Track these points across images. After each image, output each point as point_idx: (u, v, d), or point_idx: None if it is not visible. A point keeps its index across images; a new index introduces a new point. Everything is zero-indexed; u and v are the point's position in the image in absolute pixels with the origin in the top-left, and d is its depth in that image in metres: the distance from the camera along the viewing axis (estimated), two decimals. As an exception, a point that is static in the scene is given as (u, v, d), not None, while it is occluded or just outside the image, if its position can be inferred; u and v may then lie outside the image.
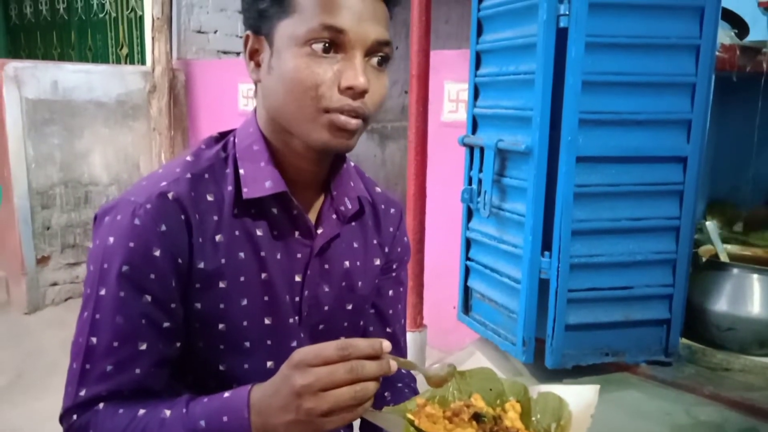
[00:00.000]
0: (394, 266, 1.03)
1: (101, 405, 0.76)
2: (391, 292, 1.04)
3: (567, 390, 0.76)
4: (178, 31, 4.05)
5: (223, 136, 0.91)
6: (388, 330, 1.04)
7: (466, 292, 2.07)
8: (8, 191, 3.42)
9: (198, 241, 0.81)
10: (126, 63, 4.33)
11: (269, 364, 0.88)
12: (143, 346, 0.78)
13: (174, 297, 0.80)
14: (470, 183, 1.95)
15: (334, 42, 0.75)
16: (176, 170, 0.83)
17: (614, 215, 1.69)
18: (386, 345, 0.68)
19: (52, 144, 3.51)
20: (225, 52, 4.39)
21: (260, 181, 0.83)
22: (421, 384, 0.89)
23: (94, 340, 0.77)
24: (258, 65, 0.82)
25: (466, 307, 2.08)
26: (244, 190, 0.83)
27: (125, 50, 4.36)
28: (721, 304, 1.82)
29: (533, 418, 0.76)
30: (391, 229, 1.02)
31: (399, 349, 1.06)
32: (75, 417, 0.77)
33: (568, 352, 1.73)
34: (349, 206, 0.93)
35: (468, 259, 2.03)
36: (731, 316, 1.80)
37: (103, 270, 0.78)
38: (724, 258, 1.92)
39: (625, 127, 1.66)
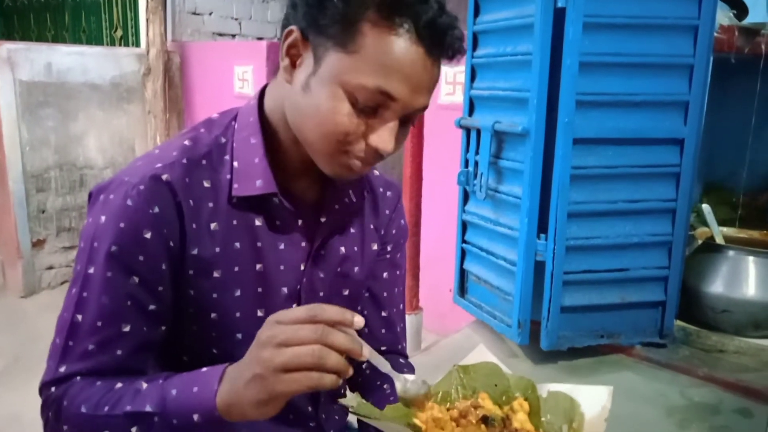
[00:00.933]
0: (389, 248, 1.02)
1: (78, 378, 0.77)
2: (385, 275, 1.03)
3: (578, 390, 0.75)
4: (173, 12, 4.01)
5: (225, 117, 0.90)
6: (383, 314, 1.03)
7: (462, 274, 2.07)
8: (3, 174, 3.41)
9: (191, 227, 0.80)
10: (120, 45, 4.29)
11: None
12: (126, 328, 0.78)
13: (163, 280, 0.79)
14: (467, 165, 1.94)
15: (378, 104, 0.74)
16: (173, 153, 0.82)
17: (611, 197, 1.69)
18: (358, 320, 0.68)
19: (47, 127, 3.48)
20: (220, 34, 4.35)
21: (252, 178, 0.82)
22: (424, 374, 0.88)
23: (79, 317, 0.77)
24: (294, 65, 0.79)
25: (462, 289, 2.08)
26: (235, 186, 0.82)
27: (119, 32, 4.31)
28: (716, 286, 1.82)
29: (543, 419, 0.74)
30: (387, 212, 1.01)
31: (394, 335, 1.05)
32: (53, 389, 0.77)
33: (563, 333, 1.74)
34: (353, 199, 0.93)
35: (464, 241, 2.03)
36: (726, 298, 1.80)
37: (93, 248, 0.77)
38: (719, 240, 1.92)
39: (622, 109, 1.65)
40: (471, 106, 1.96)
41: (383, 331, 1.04)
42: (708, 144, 2.50)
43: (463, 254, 2.05)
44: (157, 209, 0.77)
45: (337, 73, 0.72)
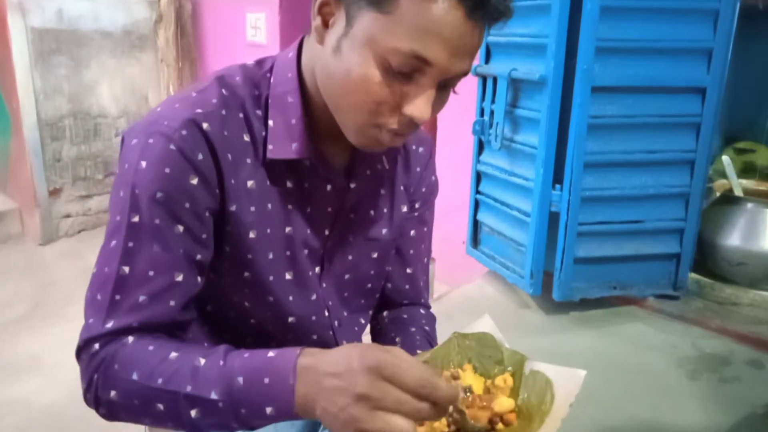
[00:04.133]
0: (417, 205, 1.00)
1: (130, 338, 0.71)
2: (413, 232, 1.00)
3: (557, 371, 0.73)
4: (184, -43, 3.93)
5: (260, 67, 0.84)
6: (408, 270, 1.01)
7: (475, 225, 2.06)
8: (18, 123, 3.41)
9: (230, 182, 0.75)
10: (131, -9, 4.22)
11: (290, 319, 0.86)
12: (179, 277, 0.73)
13: (206, 229, 0.75)
14: (482, 114, 1.91)
15: (415, 69, 0.67)
16: (212, 101, 0.75)
17: (628, 147, 1.66)
18: (460, 399, 0.66)
19: (60, 75, 3.46)
20: (232, -19, 4.26)
21: (287, 140, 0.76)
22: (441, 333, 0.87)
23: (126, 269, 0.72)
24: (326, 25, 0.73)
25: (475, 240, 2.08)
26: (270, 147, 0.77)
27: (130, -22, 4.24)
28: (733, 239, 1.80)
29: (521, 396, 0.73)
30: (418, 169, 0.97)
31: (417, 289, 1.03)
32: (97, 346, 0.71)
33: (576, 285, 1.74)
34: (386, 166, 0.87)
35: (478, 192, 2.02)
36: (743, 250, 1.78)
37: (135, 196, 0.72)
38: (738, 192, 1.89)
39: (643, 56, 1.60)
40: (487, 54, 1.91)
41: (407, 286, 1.02)
42: (729, 94, 2.44)
43: (476, 205, 2.04)
44: (201, 156, 0.72)
45: (371, 35, 0.67)
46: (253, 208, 0.77)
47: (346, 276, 0.90)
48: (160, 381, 0.67)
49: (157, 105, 0.79)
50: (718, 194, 1.92)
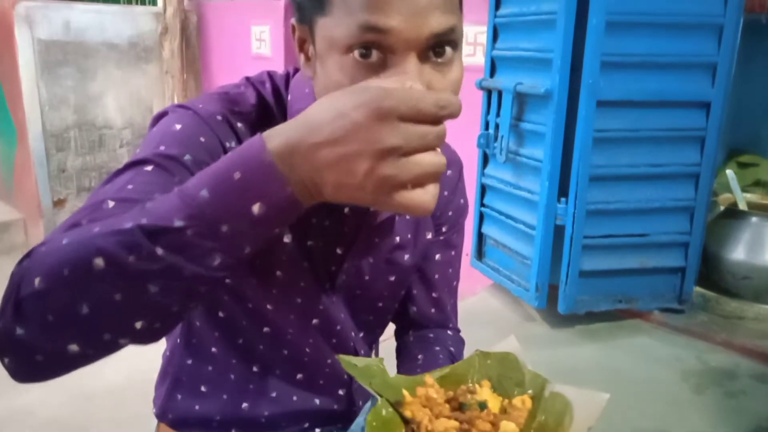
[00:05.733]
0: (444, 229, 0.97)
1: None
2: (438, 257, 0.96)
3: (578, 394, 0.71)
4: (190, -30, 3.96)
5: (280, 81, 0.81)
6: (433, 295, 0.98)
7: (480, 238, 2.07)
8: (23, 133, 3.42)
9: None
10: (137, 4, 4.25)
11: (314, 321, 0.84)
12: None
13: None
14: (487, 128, 1.92)
15: (380, 44, 0.60)
16: (250, 102, 0.73)
17: (633, 161, 1.67)
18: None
19: (66, 86, 3.48)
20: (237, -7, 4.29)
21: None
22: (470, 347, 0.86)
23: (110, 203, 0.57)
24: (308, 59, 0.68)
25: (480, 253, 2.08)
26: None
27: (136, -10, 4.27)
28: (738, 253, 1.80)
29: (538, 419, 0.72)
30: (446, 193, 0.94)
31: (444, 313, 1.01)
32: (32, 252, 0.52)
33: (581, 298, 1.74)
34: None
35: (483, 205, 2.02)
36: (748, 264, 1.78)
37: (158, 150, 0.63)
38: (743, 206, 1.89)
39: (648, 70, 1.61)
40: (493, 67, 1.92)
41: (433, 310, 0.99)
42: (733, 107, 2.45)
43: (481, 218, 2.04)
44: (233, 144, 0.69)
45: (328, 39, 0.63)
46: None
47: (358, 292, 0.88)
48: (96, 229, 0.49)
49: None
50: (722, 208, 1.92)
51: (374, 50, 0.60)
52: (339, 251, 0.82)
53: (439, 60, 0.62)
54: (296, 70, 0.78)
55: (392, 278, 0.89)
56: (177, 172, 0.62)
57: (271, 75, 0.80)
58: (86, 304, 0.47)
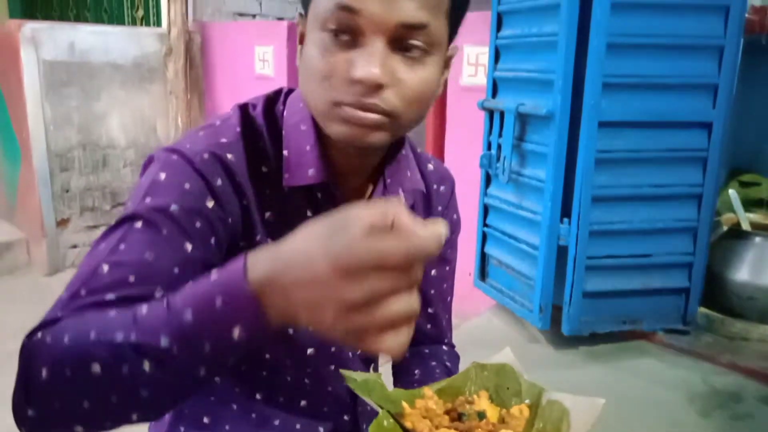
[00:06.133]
0: None
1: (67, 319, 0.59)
2: (434, 272, 0.98)
3: (575, 401, 0.72)
4: (194, -8, 4.00)
5: (278, 97, 0.82)
6: (429, 310, 0.99)
7: (483, 258, 2.06)
8: (27, 153, 3.44)
9: (248, 212, 0.74)
10: (142, 25, 4.30)
11: (309, 351, 0.85)
12: (159, 294, 0.64)
13: (210, 256, 0.70)
14: (489, 148, 1.93)
15: (350, 26, 0.65)
16: (236, 130, 0.74)
17: (636, 182, 1.67)
18: (445, 231, 0.51)
19: (70, 106, 3.50)
20: (241, 14, 4.34)
21: (303, 167, 0.75)
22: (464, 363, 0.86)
23: (104, 267, 0.62)
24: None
25: (483, 273, 2.07)
26: (285, 175, 0.75)
27: (141, 12, 4.31)
28: (742, 273, 1.79)
29: (536, 426, 0.72)
30: (440, 208, 0.95)
31: (439, 329, 1.01)
32: (40, 334, 0.58)
33: (585, 319, 1.73)
34: (403, 200, 0.84)
35: (485, 225, 2.02)
36: (752, 285, 1.77)
37: (144, 203, 0.66)
38: (746, 226, 1.89)
39: (649, 91, 1.62)
40: (494, 88, 1.93)
41: (429, 326, 1.00)
42: (733, 127, 2.45)
43: (484, 238, 2.04)
44: (220, 182, 0.70)
45: (313, 17, 0.68)
46: (269, 240, 0.76)
47: None
48: (93, 335, 0.54)
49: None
50: (725, 228, 1.92)
51: (348, 29, 0.64)
52: None
53: (412, 54, 0.66)
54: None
55: None
56: (164, 225, 0.66)
57: (268, 94, 0.82)
58: (87, 400, 0.53)
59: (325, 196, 0.78)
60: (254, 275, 0.51)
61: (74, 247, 3.63)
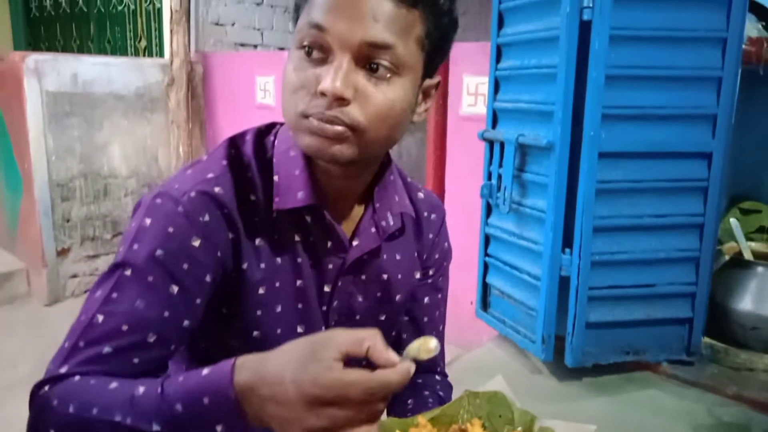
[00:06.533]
0: (431, 272, 0.99)
1: (77, 377, 0.68)
2: (427, 299, 0.99)
3: (566, 427, 0.73)
4: (196, 23, 4.06)
5: (269, 129, 0.86)
6: None
7: (485, 288, 2.05)
8: (29, 183, 3.46)
9: (241, 240, 0.76)
10: (144, 55, 4.35)
11: None
12: (152, 338, 0.71)
13: (203, 293, 0.74)
14: (490, 178, 1.93)
15: (320, 43, 0.69)
16: (222, 162, 0.78)
17: (637, 212, 1.66)
18: (413, 369, 0.61)
19: (72, 136, 3.53)
20: (242, 45, 4.39)
21: (293, 190, 0.78)
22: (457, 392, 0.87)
23: (100, 318, 0.69)
24: None
25: (485, 303, 2.06)
26: (276, 199, 0.78)
27: (144, 43, 4.37)
28: (745, 303, 1.78)
29: None
30: (431, 236, 0.97)
31: (432, 359, 1.03)
32: (46, 388, 0.68)
33: (588, 350, 1.71)
34: (391, 222, 0.87)
35: (487, 255, 2.01)
36: (756, 315, 1.76)
37: (132, 250, 0.71)
38: (748, 256, 1.88)
39: (649, 122, 1.63)
40: (494, 119, 1.94)
41: None
42: (732, 154, 2.47)
43: (485, 268, 2.03)
44: (207, 217, 0.73)
45: (294, 37, 0.73)
46: (263, 265, 0.79)
47: None
48: (95, 411, 0.63)
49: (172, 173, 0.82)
50: (727, 257, 1.91)
51: (318, 47, 0.69)
52: (327, 289, 0.85)
53: (378, 72, 0.70)
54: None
55: (383, 317, 0.91)
56: (150, 271, 0.71)
57: (259, 127, 0.86)
58: None
59: (314, 220, 0.80)
60: (239, 381, 0.59)
61: (74, 276, 3.62)
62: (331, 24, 0.68)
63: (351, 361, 0.59)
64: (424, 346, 0.64)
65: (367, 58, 0.70)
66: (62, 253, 3.55)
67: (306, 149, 0.74)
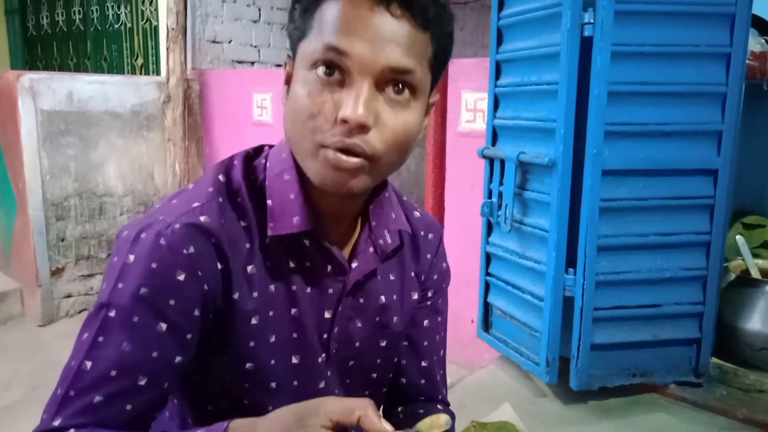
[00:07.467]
0: (430, 294, 0.96)
1: (72, 430, 0.68)
2: (426, 322, 0.95)
3: None
4: (193, 41, 4.04)
5: (258, 153, 0.82)
6: (422, 364, 0.96)
7: (486, 308, 2.01)
8: (23, 202, 3.42)
9: (229, 270, 0.73)
10: (141, 73, 4.33)
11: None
12: (143, 381, 0.69)
13: (192, 327, 0.71)
14: (490, 196, 1.90)
15: (339, 66, 0.66)
16: (208, 189, 0.74)
17: (642, 230, 1.63)
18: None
19: (67, 155, 3.49)
20: (239, 62, 4.37)
21: (288, 215, 0.74)
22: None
23: (88, 364, 0.68)
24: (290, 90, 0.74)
25: (486, 323, 2.02)
26: (270, 224, 0.75)
27: (140, 61, 4.35)
28: (753, 323, 1.74)
29: None
30: (429, 256, 0.94)
31: (434, 384, 0.99)
32: None
33: (594, 372, 1.67)
34: (389, 241, 0.83)
35: (488, 274, 1.98)
36: (764, 335, 1.72)
37: (116, 290, 0.69)
38: (755, 274, 1.85)
39: (652, 139, 1.60)
40: (494, 136, 1.91)
41: (422, 381, 0.97)
42: (736, 170, 2.44)
43: (486, 287, 1.99)
44: (192, 249, 0.70)
45: (302, 57, 0.69)
46: (255, 294, 0.75)
47: (351, 362, 0.86)
48: None
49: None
50: (733, 275, 1.87)
51: (336, 70, 0.66)
52: (327, 315, 0.81)
53: (396, 97, 0.68)
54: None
55: (383, 343, 0.88)
56: (135, 311, 0.69)
57: (247, 150, 0.83)
58: None
59: (311, 244, 0.77)
60: None
61: (68, 296, 3.57)
62: (351, 48, 0.65)
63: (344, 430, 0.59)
64: (436, 422, 0.64)
65: (387, 83, 0.67)
66: (56, 272, 3.50)
67: (320, 181, 0.70)
